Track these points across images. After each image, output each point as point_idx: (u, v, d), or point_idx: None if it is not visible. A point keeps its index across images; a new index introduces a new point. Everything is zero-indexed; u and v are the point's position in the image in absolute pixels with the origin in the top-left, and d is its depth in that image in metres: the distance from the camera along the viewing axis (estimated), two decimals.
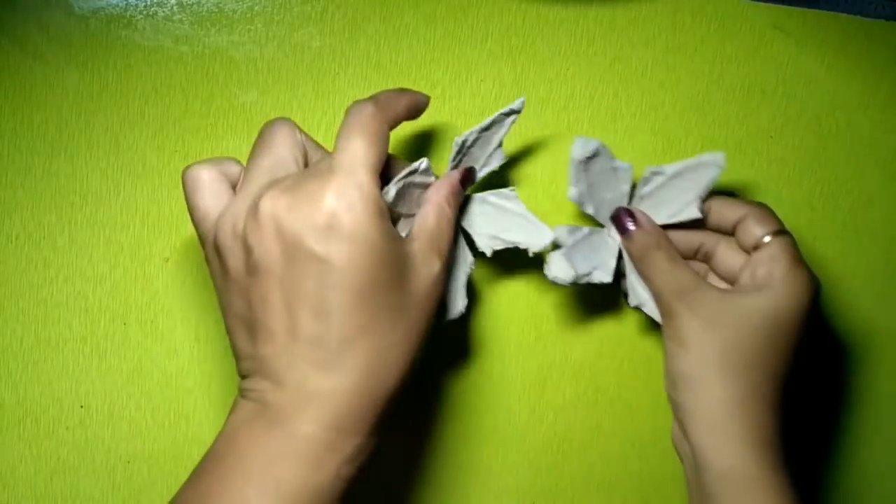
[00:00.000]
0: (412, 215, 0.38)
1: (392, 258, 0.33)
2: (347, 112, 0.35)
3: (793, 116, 0.48)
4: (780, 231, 0.40)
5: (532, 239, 0.41)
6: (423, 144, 0.46)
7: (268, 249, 0.32)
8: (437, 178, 0.40)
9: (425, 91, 0.45)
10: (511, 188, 0.42)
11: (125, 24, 0.43)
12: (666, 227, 0.42)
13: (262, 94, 0.44)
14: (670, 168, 0.41)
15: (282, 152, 0.35)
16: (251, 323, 0.33)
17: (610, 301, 0.47)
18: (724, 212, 0.41)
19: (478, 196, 0.43)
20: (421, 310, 0.34)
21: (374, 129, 0.34)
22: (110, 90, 0.43)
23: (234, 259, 0.33)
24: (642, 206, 0.43)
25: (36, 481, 0.43)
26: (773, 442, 0.38)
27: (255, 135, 0.44)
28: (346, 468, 0.32)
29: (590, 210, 0.42)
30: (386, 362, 0.33)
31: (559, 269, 0.40)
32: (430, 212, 0.37)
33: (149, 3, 0.44)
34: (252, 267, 0.32)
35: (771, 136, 0.48)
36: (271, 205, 0.32)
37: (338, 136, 0.34)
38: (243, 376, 0.34)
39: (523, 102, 0.41)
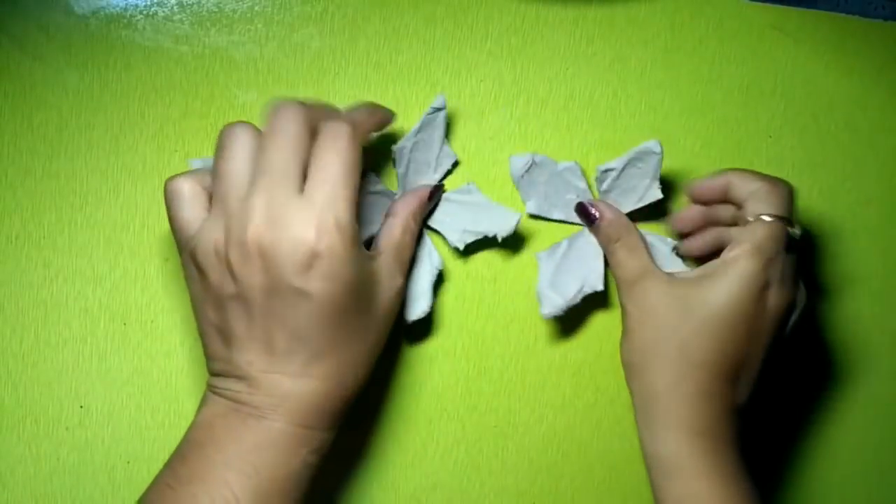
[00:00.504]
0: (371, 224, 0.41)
1: (362, 283, 0.36)
2: (323, 132, 0.36)
3: (792, 116, 0.48)
4: (778, 217, 0.39)
5: (499, 224, 0.43)
6: None
7: (252, 282, 0.34)
8: (385, 188, 0.43)
9: (425, 91, 0.45)
10: (469, 182, 0.45)
11: (125, 25, 0.43)
12: (637, 212, 0.44)
13: (262, 94, 0.44)
14: (617, 162, 0.43)
15: (244, 159, 0.36)
16: (226, 332, 0.36)
17: (610, 301, 0.47)
18: (740, 185, 0.41)
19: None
20: (384, 322, 0.39)
21: (353, 158, 0.36)
22: (110, 90, 0.43)
23: (216, 277, 0.35)
24: (608, 200, 0.44)
25: (36, 481, 0.43)
26: (711, 431, 0.39)
27: None
28: (311, 457, 0.36)
29: (559, 215, 0.45)
30: (350, 369, 0.37)
31: (549, 304, 0.42)
32: (397, 226, 0.40)
33: (149, 3, 0.44)
34: (235, 293, 0.35)
35: (770, 136, 0.48)
36: (257, 240, 0.34)
37: (315, 158, 0.35)
38: (215, 374, 0.37)
39: (444, 99, 0.43)
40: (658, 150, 0.42)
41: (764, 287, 0.39)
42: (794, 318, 0.41)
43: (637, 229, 0.43)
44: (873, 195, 0.49)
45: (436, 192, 0.43)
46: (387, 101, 0.45)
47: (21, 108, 0.43)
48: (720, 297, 0.39)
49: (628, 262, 0.42)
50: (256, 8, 0.44)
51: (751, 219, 0.39)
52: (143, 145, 0.44)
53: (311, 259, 0.34)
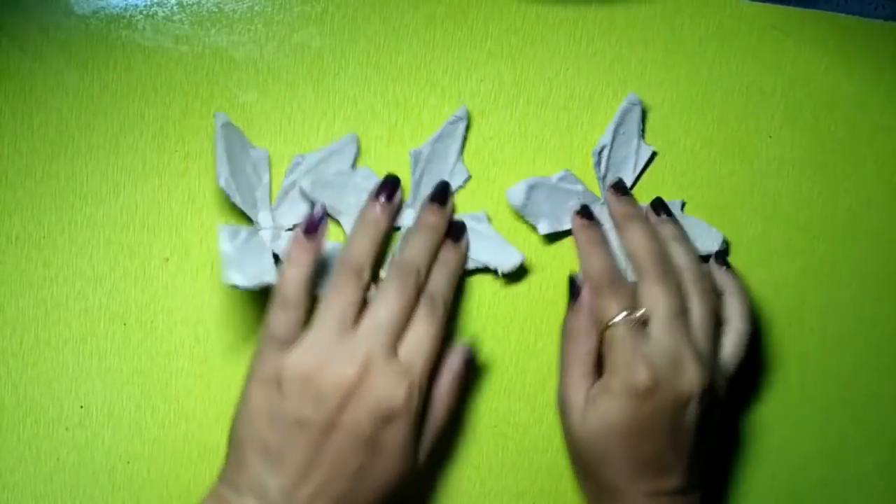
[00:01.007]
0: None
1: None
2: (425, 301, 0.40)
3: (792, 117, 0.48)
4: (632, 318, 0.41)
5: (501, 260, 0.44)
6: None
7: (329, 417, 0.37)
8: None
9: (425, 91, 0.45)
10: (482, 211, 0.45)
11: (125, 25, 0.44)
12: (637, 179, 0.46)
13: (262, 94, 0.44)
14: (606, 136, 0.45)
15: (353, 302, 0.39)
16: (275, 453, 0.37)
17: None
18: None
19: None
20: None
21: (440, 336, 0.40)
22: (110, 91, 0.43)
23: (294, 399, 0.37)
24: (610, 178, 0.46)
25: (36, 481, 0.43)
26: None
27: (256, 135, 0.44)
28: None
29: (566, 226, 0.46)
30: None
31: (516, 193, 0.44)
32: (443, 412, 0.41)
33: (149, 3, 0.44)
34: (307, 420, 0.37)
35: (770, 136, 0.48)
36: (349, 384, 0.37)
37: (415, 324, 0.40)
38: (231, 484, 0.37)
39: (465, 110, 0.44)
40: (636, 100, 0.44)
41: (649, 397, 0.39)
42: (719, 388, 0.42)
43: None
44: (874, 195, 0.49)
45: (467, 357, 0.43)
46: (387, 102, 0.45)
47: (21, 109, 0.43)
48: (609, 417, 0.40)
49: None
50: (256, 8, 0.44)
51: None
52: (143, 145, 0.44)
53: (391, 416, 0.37)
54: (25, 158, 0.43)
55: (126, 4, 0.44)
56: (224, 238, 0.40)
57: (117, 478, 0.43)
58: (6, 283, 0.43)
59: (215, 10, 0.44)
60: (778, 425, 0.49)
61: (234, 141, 0.43)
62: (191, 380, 0.44)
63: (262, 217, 0.43)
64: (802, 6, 0.48)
